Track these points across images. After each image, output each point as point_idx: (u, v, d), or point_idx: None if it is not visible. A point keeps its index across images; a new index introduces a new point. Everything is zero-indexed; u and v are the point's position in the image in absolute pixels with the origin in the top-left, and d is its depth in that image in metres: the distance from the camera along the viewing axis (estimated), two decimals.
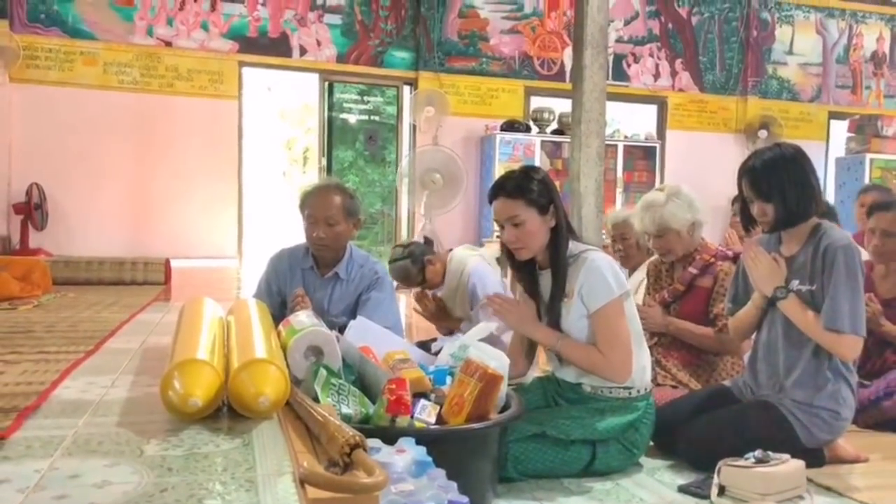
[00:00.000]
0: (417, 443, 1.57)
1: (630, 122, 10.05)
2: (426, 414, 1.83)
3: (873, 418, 2.70)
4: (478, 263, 3.33)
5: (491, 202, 2.30)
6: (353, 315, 2.78)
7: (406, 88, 9.11)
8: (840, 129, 9.64)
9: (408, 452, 1.51)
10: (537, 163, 8.52)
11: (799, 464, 2.04)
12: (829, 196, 8.06)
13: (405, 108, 9.11)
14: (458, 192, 8.03)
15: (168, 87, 8.17)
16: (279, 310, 2.76)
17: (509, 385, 2.08)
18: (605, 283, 2.17)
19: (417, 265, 3.38)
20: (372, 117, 9.34)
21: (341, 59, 8.78)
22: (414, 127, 8.87)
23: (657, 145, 9.51)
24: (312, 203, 2.85)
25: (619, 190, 9.16)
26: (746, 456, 2.02)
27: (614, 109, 9.00)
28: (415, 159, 8.16)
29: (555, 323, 2.26)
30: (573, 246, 2.27)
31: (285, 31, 8.57)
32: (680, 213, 2.83)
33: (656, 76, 9.92)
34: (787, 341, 2.30)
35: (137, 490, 1.17)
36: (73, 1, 7.87)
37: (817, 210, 2.30)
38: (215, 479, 1.24)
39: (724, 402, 2.39)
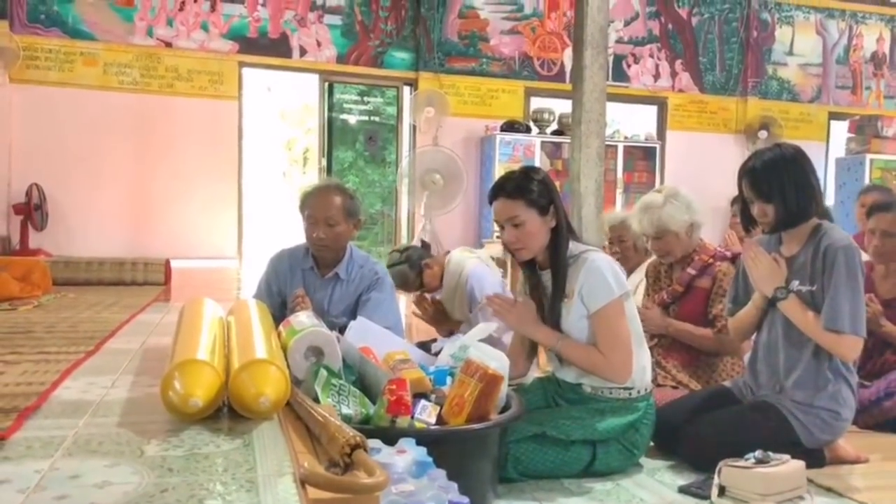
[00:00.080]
0: (418, 443, 1.57)
1: (630, 122, 10.06)
2: (426, 414, 1.83)
3: (874, 419, 2.70)
4: (475, 265, 3.33)
5: (491, 203, 2.30)
6: (353, 315, 2.78)
7: (406, 89, 9.11)
8: (840, 130, 9.65)
9: (408, 453, 1.51)
10: (537, 163, 8.52)
11: (799, 464, 2.04)
12: (829, 197, 8.06)
13: (405, 108, 9.11)
14: (458, 192, 8.04)
15: (168, 88, 8.18)
16: (279, 310, 2.76)
17: (510, 385, 2.08)
18: (606, 284, 2.17)
19: (415, 270, 3.39)
20: (372, 118, 9.34)
21: (341, 59, 8.78)
22: (414, 127, 8.87)
23: (657, 146, 9.51)
24: (312, 203, 2.85)
25: (619, 190, 9.16)
26: (747, 456, 2.02)
27: (614, 110, 9.01)
28: (415, 160, 8.17)
29: (555, 323, 2.26)
30: (573, 246, 2.27)
31: (285, 31, 8.57)
32: (678, 215, 2.83)
33: (656, 77, 9.92)
34: (788, 342, 2.30)
35: (138, 490, 1.17)
36: (74, 1, 7.87)
37: (817, 210, 2.30)
38: (216, 479, 1.23)
39: (725, 403, 2.39)
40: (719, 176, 7.83)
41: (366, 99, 9.27)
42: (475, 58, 9.20)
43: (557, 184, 2.88)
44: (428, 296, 3.45)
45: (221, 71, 8.33)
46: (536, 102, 9.39)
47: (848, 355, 2.22)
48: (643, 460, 2.30)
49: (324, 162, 8.99)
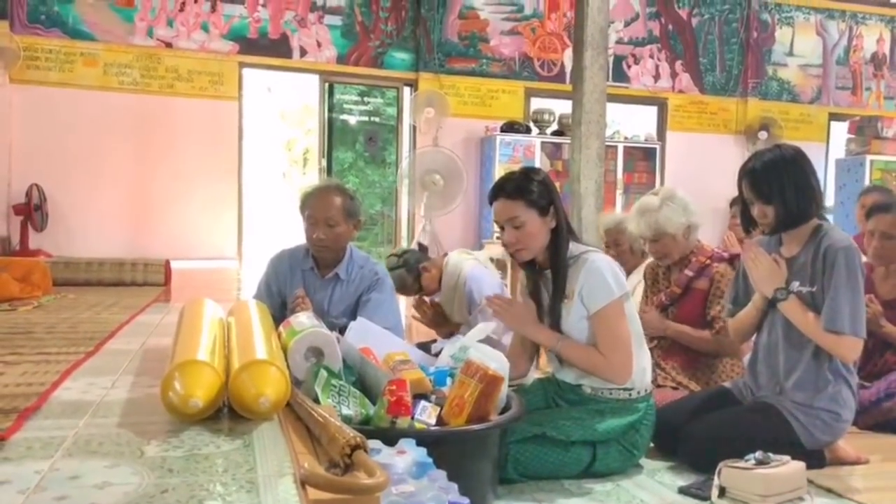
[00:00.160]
0: (418, 444, 1.57)
1: (630, 123, 10.05)
2: (427, 415, 1.83)
3: (874, 419, 2.70)
4: (473, 267, 3.33)
5: (491, 203, 2.31)
6: (353, 316, 2.78)
7: (406, 89, 9.11)
8: (840, 131, 9.65)
9: (408, 454, 1.51)
10: (537, 164, 8.53)
11: (799, 465, 2.04)
12: (830, 198, 8.06)
13: (405, 109, 9.11)
14: (459, 193, 8.04)
15: (168, 88, 8.18)
16: (279, 311, 2.76)
17: (510, 386, 2.08)
18: (606, 284, 2.17)
19: (413, 274, 3.39)
20: (372, 118, 9.35)
21: (341, 60, 8.78)
22: (414, 128, 8.88)
23: (657, 147, 9.51)
24: (312, 204, 2.84)
25: (619, 191, 9.16)
26: (747, 457, 2.01)
27: (614, 111, 9.00)
28: (415, 160, 8.17)
29: (555, 324, 2.26)
30: (573, 247, 2.27)
31: (285, 32, 8.57)
32: (675, 217, 2.83)
33: (656, 77, 9.92)
34: (788, 343, 2.30)
35: (138, 491, 1.17)
36: (74, 2, 7.88)
37: (817, 211, 2.30)
38: (216, 480, 1.23)
39: (725, 404, 2.39)
40: (719, 177, 7.83)
41: (366, 99, 9.28)
42: (475, 58, 9.21)
43: (557, 184, 2.88)
44: (427, 299, 3.45)
45: (221, 71, 8.33)
46: (536, 103, 9.39)
47: (848, 356, 2.22)
48: (643, 461, 2.30)
49: (324, 162, 8.99)
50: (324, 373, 1.78)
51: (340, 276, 2.92)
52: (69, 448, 1.38)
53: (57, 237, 7.64)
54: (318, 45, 8.69)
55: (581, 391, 2.27)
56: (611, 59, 9.06)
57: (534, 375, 2.65)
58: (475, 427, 1.85)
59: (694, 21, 10.03)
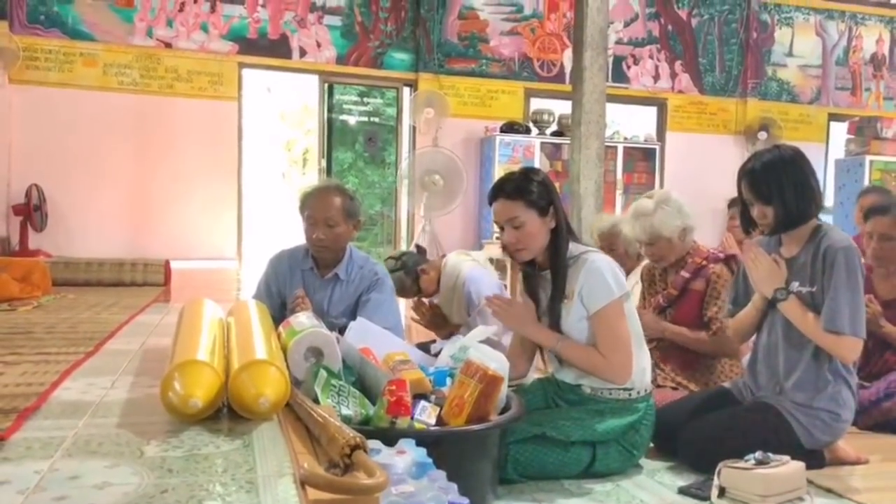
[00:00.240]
0: (418, 444, 1.57)
1: (630, 123, 10.06)
2: (426, 415, 1.83)
3: (874, 419, 2.70)
4: (472, 269, 3.33)
5: (491, 204, 2.31)
6: (352, 316, 2.77)
7: (406, 90, 9.12)
8: (840, 131, 9.64)
9: (408, 454, 1.51)
10: (537, 164, 8.53)
11: (799, 465, 2.04)
12: (829, 198, 8.06)
13: (405, 109, 9.12)
14: (458, 193, 8.04)
15: (168, 89, 8.18)
16: (279, 311, 2.75)
17: (509, 386, 2.08)
18: (605, 285, 2.17)
19: (411, 276, 3.38)
20: (372, 119, 9.35)
21: (341, 60, 8.78)
22: (414, 128, 8.88)
23: (657, 147, 9.52)
24: (312, 204, 2.84)
25: (618, 192, 9.17)
26: (746, 457, 2.02)
27: (614, 111, 9.01)
28: (414, 161, 8.17)
29: (555, 324, 2.26)
30: (573, 247, 2.27)
31: (285, 32, 8.57)
32: (670, 221, 2.83)
33: (656, 78, 9.93)
34: (788, 343, 2.30)
35: (138, 491, 1.17)
36: (73, 2, 7.88)
37: (817, 212, 2.30)
38: (215, 480, 1.23)
39: (724, 404, 2.39)
40: (719, 177, 7.83)
41: (365, 100, 9.28)
42: (475, 59, 9.21)
43: (557, 185, 2.88)
44: (425, 300, 3.45)
45: (221, 72, 8.33)
46: (536, 103, 9.40)
47: (848, 356, 2.22)
48: (643, 461, 2.30)
49: (323, 163, 8.99)
50: (323, 373, 1.78)
51: (340, 276, 2.92)
52: (69, 448, 1.38)
53: (56, 237, 7.64)
54: (318, 45, 8.69)
55: (581, 391, 2.27)
56: (610, 60, 9.06)
57: (533, 375, 2.65)
58: (475, 427, 1.85)
59: (693, 21, 10.03)
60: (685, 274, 2.87)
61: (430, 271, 3.41)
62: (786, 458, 2.03)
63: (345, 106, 9.15)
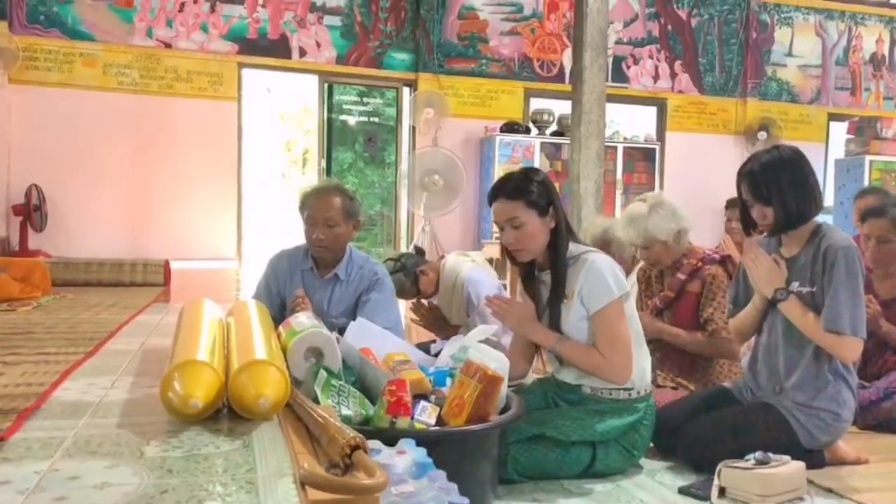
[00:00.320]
0: (418, 444, 1.57)
1: (630, 123, 10.05)
2: (426, 415, 1.83)
3: (874, 419, 2.70)
4: (471, 269, 3.33)
5: (490, 204, 2.31)
6: (352, 316, 2.77)
7: (406, 90, 9.11)
8: (839, 131, 9.64)
9: (408, 454, 1.51)
10: (537, 164, 8.53)
11: (799, 465, 2.04)
12: (829, 198, 8.07)
13: (405, 109, 9.11)
14: (458, 193, 8.04)
15: (168, 89, 8.18)
16: (279, 311, 2.76)
17: (509, 386, 2.08)
18: (605, 285, 2.17)
19: (410, 277, 3.38)
20: (371, 119, 9.34)
21: (341, 60, 8.78)
22: (413, 128, 8.88)
23: (657, 147, 9.51)
24: (312, 204, 2.84)
25: (618, 192, 9.16)
26: (747, 457, 2.02)
27: (614, 111, 9.00)
28: (414, 161, 8.16)
29: (555, 324, 2.26)
30: (573, 247, 2.28)
31: (285, 32, 8.57)
32: (664, 224, 2.83)
33: (656, 78, 9.92)
34: (788, 343, 2.30)
35: (138, 491, 1.17)
36: (73, 2, 7.87)
37: (817, 212, 2.30)
38: (215, 480, 1.23)
39: (725, 404, 2.40)
40: (719, 177, 7.83)
41: (365, 100, 9.27)
42: (475, 59, 9.21)
43: (557, 185, 2.88)
44: (425, 301, 3.45)
45: (221, 72, 8.32)
46: (536, 103, 9.39)
47: (848, 357, 2.22)
48: (643, 461, 2.31)
49: (323, 163, 8.99)
50: (323, 373, 1.78)
51: (340, 276, 2.92)
52: (69, 448, 1.38)
53: (56, 237, 7.63)
54: (318, 45, 8.69)
55: (581, 391, 2.27)
56: (610, 60, 9.07)
57: (533, 375, 2.65)
58: (475, 427, 1.85)
59: (693, 21, 10.03)
60: (681, 276, 2.88)
61: (429, 272, 3.41)
62: (786, 458, 2.03)
63: (345, 106, 9.15)
